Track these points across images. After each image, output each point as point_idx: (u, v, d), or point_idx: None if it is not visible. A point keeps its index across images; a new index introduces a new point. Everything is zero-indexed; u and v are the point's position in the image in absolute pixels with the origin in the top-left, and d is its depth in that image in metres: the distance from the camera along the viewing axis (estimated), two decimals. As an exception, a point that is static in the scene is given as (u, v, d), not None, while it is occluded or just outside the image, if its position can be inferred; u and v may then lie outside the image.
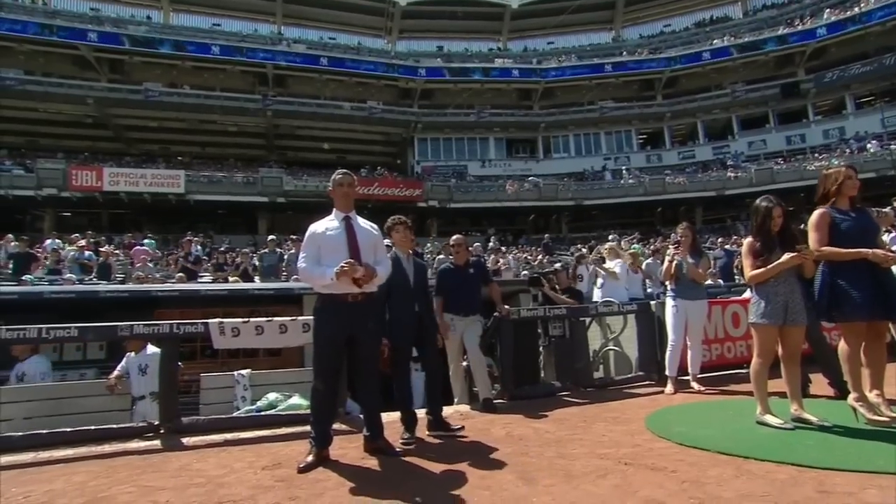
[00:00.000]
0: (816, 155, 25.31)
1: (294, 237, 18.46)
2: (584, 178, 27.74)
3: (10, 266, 9.97)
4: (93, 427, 3.40)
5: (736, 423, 3.16)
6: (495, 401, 4.10)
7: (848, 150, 24.40)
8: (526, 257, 14.58)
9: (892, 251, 3.10)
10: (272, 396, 4.70)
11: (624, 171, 27.81)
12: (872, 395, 2.98)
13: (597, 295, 7.09)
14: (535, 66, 30.79)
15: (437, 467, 2.63)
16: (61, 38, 24.63)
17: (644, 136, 31.11)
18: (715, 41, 29.95)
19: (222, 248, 13.11)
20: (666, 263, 4.66)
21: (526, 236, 25.00)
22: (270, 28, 32.66)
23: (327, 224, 2.90)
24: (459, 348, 4.24)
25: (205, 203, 22.04)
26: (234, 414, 4.37)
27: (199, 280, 8.05)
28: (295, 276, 8.72)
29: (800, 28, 27.66)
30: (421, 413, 3.41)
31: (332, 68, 27.98)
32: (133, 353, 4.80)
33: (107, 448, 3.19)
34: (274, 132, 27.99)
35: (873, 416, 2.89)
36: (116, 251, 13.30)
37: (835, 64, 27.03)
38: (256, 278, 8.31)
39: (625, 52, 31.60)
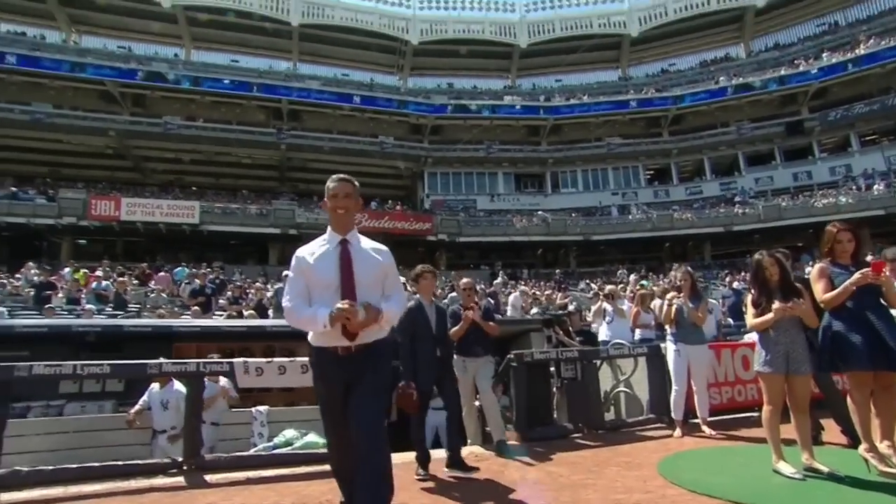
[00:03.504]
0: (823, 191, 25.46)
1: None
2: (592, 214, 27.98)
3: (32, 294, 10.20)
4: (119, 462, 3.51)
5: (748, 471, 3.21)
6: (508, 442, 4.16)
7: (855, 188, 24.53)
8: (534, 293, 14.65)
9: None
10: (289, 434, 4.79)
11: (632, 207, 28.05)
12: (883, 446, 3.02)
13: (604, 331, 7.17)
14: (543, 103, 31.54)
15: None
16: (90, 76, 25.76)
17: (651, 172, 31.50)
18: (720, 80, 30.60)
19: (237, 282, 13.28)
20: (666, 308, 4.77)
21: (534, 270, 25.11)
22: (286, 64, 33.87)
23: (317, 249, 2.26)
24: (472, 389, 4.33)
25: (218, 234, 22.49)
26: (252, 451, 4.47)
27: (215, 313, 8.22)
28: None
29: (801, 69, 28.25)
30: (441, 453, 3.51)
31: (345, 104, 28.87)
32: (157, 387, 4.93)
33: (133, 484, 3.28)
34: (287, 164, 28.67)
35: (884, 467, 2.93)
36: (134, 280, 13.57)
37: (838, 103, 27.47)
38: (270, 312, 8.47)
39: (631, 91, 32.33)
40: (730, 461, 3.58)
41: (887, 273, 3.06)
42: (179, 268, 16.56)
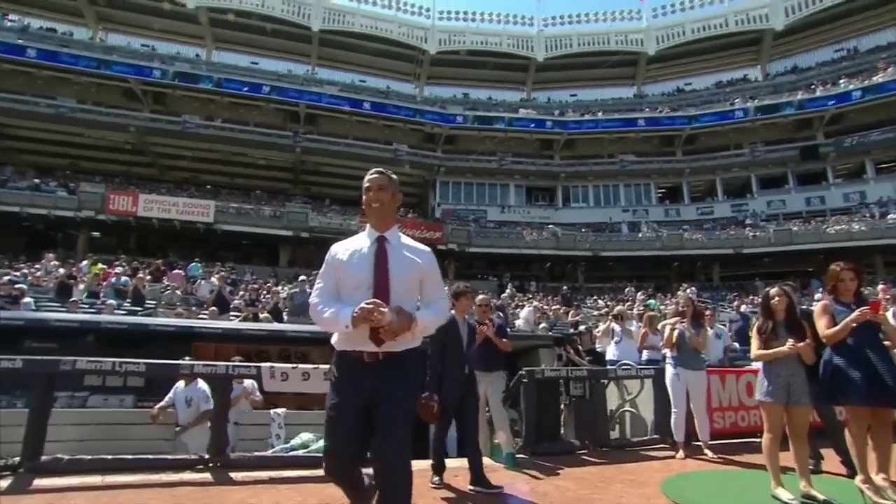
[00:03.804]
0: (836, 218, 25.41)
1: (315, 272, 19.18)
2: (602, 230, 28.09)
3: (54, 286, 10.52)
4: (150, 456, 3.72)
5: (748, 495, 3.36)
6: (517, 455, 4.33)
7: (869, 215, 24.47)
8: (542, 307, 14.79)
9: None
10: (305, 437, 4.98)
11: (643, 225, 28.13)
12: (879, 479, 3.17)
13: (612, 351, 7.32)
14: (557, 117, 31.77)
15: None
16: (116, 73, 26.38)
17: (663, 191, 31.58)
18: (735, 101, 30.69)
19: (252, 284, 13.54)
20: (668, 332, 4.94)
21: (542, 284, 25.22)
22: (305, 68, 34.40)
23: (352, 245, 2.11)
24: (483, 403, 4.51)
25: (231, 233, 22.86)
26: (270, 452, 4.67)
27: (231, 314, 8.46)
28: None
29: (818, 94, 28.29)
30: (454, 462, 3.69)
31: (361, 110, 29.28)
32: (183, 385, 5.16)
33: (164, 477, 3.49)
34: (301, 167, 29.07)
35: (879, 499, 3.08)
36: (147, 276, 13.87)
37: (854, 129, 27.45)
38: (285, 315, 8.70)
39: (646, 109, 32.50)
40: (730, 484, 3.73)
41: (884, 311, 3.23)
42: (193, 264, 16.87)
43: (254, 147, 27.39)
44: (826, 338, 3.33)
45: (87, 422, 4.66)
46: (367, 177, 2.13)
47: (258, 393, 5.27)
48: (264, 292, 10.62)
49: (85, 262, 15.37)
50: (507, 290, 20.29)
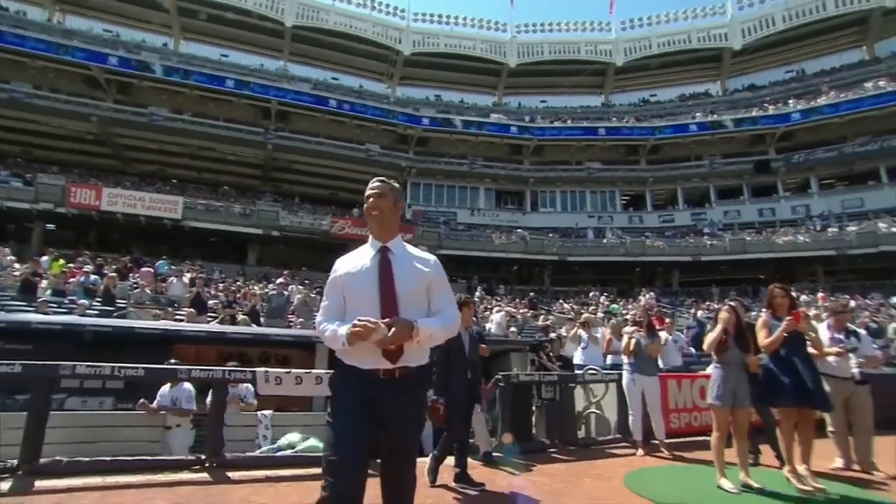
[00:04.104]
0: (784, 229, 27.00)
1: (286, 272, 19.08)
2: (569, 235, 28.94)
3: (19, 285, 10.24)
4: (149, 457, 3.89)
5: (698, 485, 3.84)
6: (493, 453, 4.69)
7: (812, 228, 26.14)
8: (509, 311, 15.28)
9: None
10: (291, 437, 5.20)
11: (607, 231, 29.14)
12: (802, 469, 3.74)
13: (579, 356, 7.79)
14: (527, 123, 32.49)
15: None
16: (77, 59, 25.40)
17: (627, 198, 32.76)
18: (696, 115, 32.14)
19: (220, 283, 13.44)
20: (625, 340, 5.46)
21: (510, 286, 25.80)
22: (277, 63, 33.97)
23: (355, 259, 2.05)
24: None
25: (199, 230, 22.42)
26: (257, 452, 4.87)
27: (209, 315, 8.51)
28: (301, 320, 9.26)
29: (771, 112, 30.00)
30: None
31: (334, 109, 29.14)
32: (168, 387, 5.29)
33: (163, 478, 3.67)
34: (271, 164, 28.72)
35: (801, 485, 3.65)
36: (113, 272, 13.59)
37: (802, 147, 29.24)
38: (262, 319, 8.80)
39: (613, 118, 33.63)
40: (683, 477, 4.21)
41: (805, 321, 3.84)
42: (161, 261, 16.57)
43: (223, 142, 26.90)
44: (763, 347, 3.87)
45: (73, 424, 4.73)
46: (369, 185, 2.11)
47: (252, 398, 5.43)
48: (235, 292, 10.61)
49: (46, 258, 14.86)
50: (477, 293, 20.75)
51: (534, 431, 5.46)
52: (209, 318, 8.77)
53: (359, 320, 1.80)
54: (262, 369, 4.41)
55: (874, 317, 14.40)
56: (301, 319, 8.88)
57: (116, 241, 23.18)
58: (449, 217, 29.82)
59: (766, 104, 31.24)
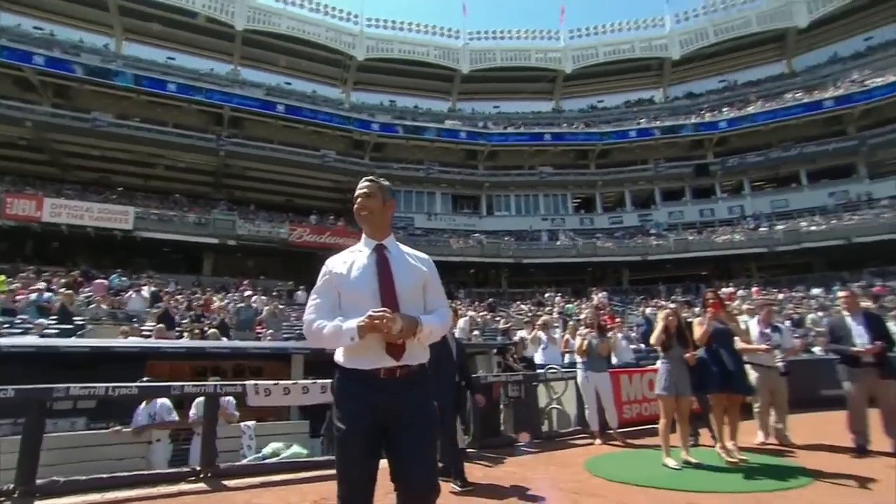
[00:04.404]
0: (723, 228, 28.98)
1: (246, 282, 18.85)
2: (523, 238, 29.91)
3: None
4: (146, 472, 4.06)
5: (647, 465, 4.43)
6: (467, 449, 5.13)
7: (747, 227, 28.22)
8: (472, 315, 15.81)
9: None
10: (275, 446, 5.46)
11: (560, 233, 30.31)
12: (730, 445, 4.49)
13: (539, 356, 8.38)
14: (481, 129, 33.27)
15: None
16: (5, 60, 23.99)
17: (578, 201, 34.16)
18: (641, 121, 33.95)
19: (179, 295, 13.24)
20: (579, 341, 6.07)
21: (468, 289, 26.40)
22: (227, 67, 33.23)
23: (349, 257, 2.02)
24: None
25: (152, 241, 21.71)
26: (244, 462, 5.09)
27: (177, 329, 8.50)
28: (271, 331, 9.37)
29: (707, 119, 32.14)
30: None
31: (288, 115, 28.84)
32: (144, 404, 5.41)
33: (162, 490, 3.87)
34: (224, 171, 28.09)
35: (729, 458, 4.38)
36: (68, 291, 13.12)
37: (735, 152, 31.45)
38: (231, 332, 8.88)
39: (564, 124, 34.94)
40: (635, 460, 4.81)
41: (719, 313, 4.58)
42: (114, 275, 16.07)
43: (174, 149, 26.09)
44: (698, 341, 4.53)
45: (58, 446, 4.78)
46: (358, 185, 2.09)
47: (234, 410, 5.62)
48: (203, 306, 10.57)
49: (-14, 275, 14.12)
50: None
51: (502, 428, 5.94)
52: (177, 334, 8.77)
53: (374, 311, 1.75)
54: (252, 382, 4.66)
55: (797, 308, 15.90)
56: (270, 331, 9.02)
57: (57, 253, 22.05)
58: (407, 222, 30.13)
59: (703, 111, 33.39)
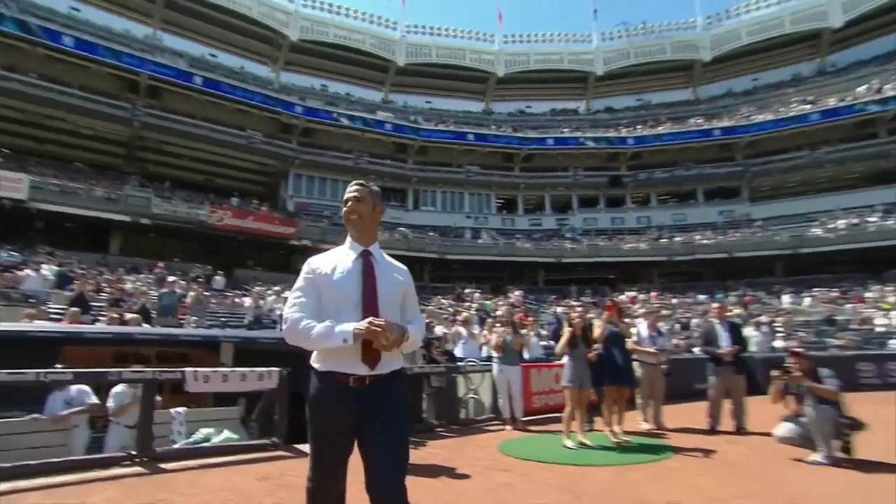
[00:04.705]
0: (631, 236, 31.63)
1: (161, 264, 17.89)
2: (447, 234, 30.77)
3: None
4: (77, 458, 4.11)
5: (549, 446, 5.20)
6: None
7: (651, 236, 31.02)
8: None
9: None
10: (205, 431, 5.59)
11: (483, 232, 31.52)
12: (617, 429, 5.46)
13: (459, 350, 9.05)
14: (413, 124, 33.60)
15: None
16: None
17: (501, 202, 35.62)
18: (564, 130, 35.98)
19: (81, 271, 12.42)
20: (495, 338, 6.79)
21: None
22: (146, 30, 30.77)
23: (334, 259, 2.02)
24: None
25: (51, 214, 19.75)
26: (178, 445, 5.19)
27: (91, 313, 8.12)
28: (195, 319, 9.20)
29: (623, 134, 34.83)
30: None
31: (210, 90, 27.28)
32: (58, 391, 5.29)
33: (100, 473, 3.95)
34: (138, 143, 26.22)
35: (615, 439, 5.32)
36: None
37: (646, 167, 34.37)
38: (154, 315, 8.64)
39: (493, 126, 36.15)
40: (540, 442, 5.58)
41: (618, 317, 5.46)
42: (2, 251, 14.67)
43: (78, 113, 23.84)
44: (596, 341, 5.37)
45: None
46: (347, 188, 2.10)
47: (89, 399, 5.37)
48: (120, 289, 10.07)
49: None
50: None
51: (424, 415, 6.49)
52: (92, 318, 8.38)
53: (374, 320, 1.78)
54: (192, 369, 4.81)
55: (685, 313, 18.02)
56: (195, 318, 8.85)
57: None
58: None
59: (620, 126, 36.05)
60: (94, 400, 5.36)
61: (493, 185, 34.47)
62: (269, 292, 16.16)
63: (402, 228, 29.80)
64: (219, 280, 16.67)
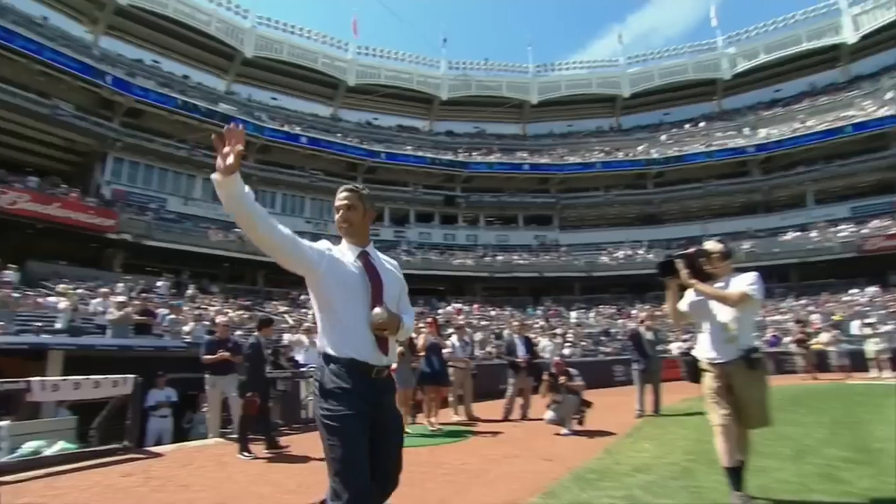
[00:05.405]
0: (461, 252, 34.76)
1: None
2: (285, 238, 30.14)
3: None
4: None
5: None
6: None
7: (477, 254, 34.57)
8: (227, 311, 15.90)
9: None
10: (34, 444, 5.41)
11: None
12: (433, 419, 6.86)
13: (302, 357, 9.71)
14: (257, 121, 32.20)
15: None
16: None
17: (341, 210, 36.02)
18: (407, 147, 37.99)
19: None
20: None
21: (221, 284, 25.24)
22: None
23: (341, 255, 2.08)
24: (220, 399, 6.22)
25: None
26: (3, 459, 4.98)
27: None
28: (2, 323, 8.10)
29: (460, 158, 38.21)
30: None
31: (10, 45, 22.72)
32: None
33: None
34: None
35: (431, 428, 6.74)
36: None
37: (478, 190, 38.10)
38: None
39: (339, 134, 36.44)
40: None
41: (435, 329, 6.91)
42: None
43: None
44: (419, 350, 6.73)
45: None
46: (337, 195, 2.13)
47: None
48: None
49: None
50: (189, 290, 20.12)
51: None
52: None
53: (380, 309, 1.90)
54: (39, 378, 4.80)
55: (500, 325, 20.95)
56: (2, 323, 7.83)
57: None
58: (159, 203, 27.16)
59: (458, 150, 39.43)
60: None
61: (335, 192, 34.59)
62: (79, 290, 14.39)
63: (237, 229, 28.32)
64: (9, 274, 14.16)
